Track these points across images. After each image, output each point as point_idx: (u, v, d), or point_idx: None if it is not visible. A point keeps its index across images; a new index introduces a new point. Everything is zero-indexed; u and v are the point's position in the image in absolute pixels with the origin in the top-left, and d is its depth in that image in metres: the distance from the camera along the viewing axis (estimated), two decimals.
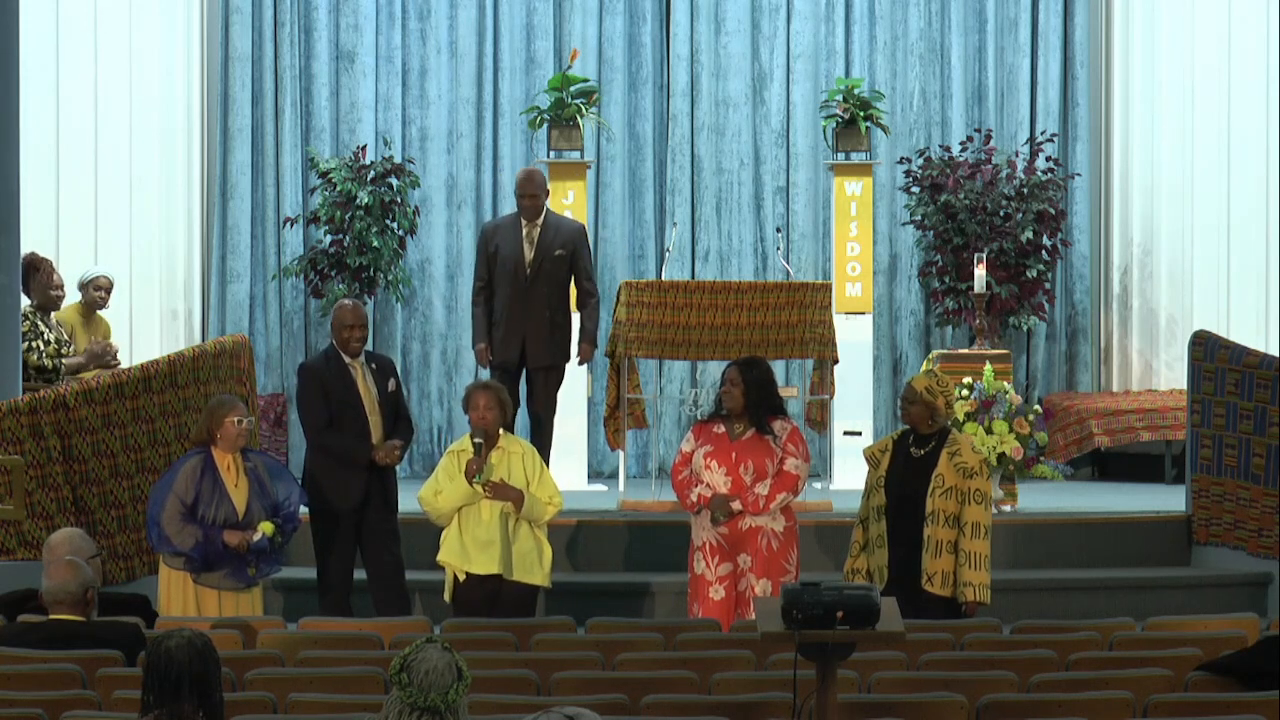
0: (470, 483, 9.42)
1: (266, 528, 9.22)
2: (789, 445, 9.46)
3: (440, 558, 9.53)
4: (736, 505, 9.36)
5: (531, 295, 11.50)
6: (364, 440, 9.95)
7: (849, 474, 13.43)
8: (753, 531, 9.40)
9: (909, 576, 8.73)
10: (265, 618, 8.75)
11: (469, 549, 9.46)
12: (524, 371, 11.64)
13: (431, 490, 9.57)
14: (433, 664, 5.06)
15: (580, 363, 11.95)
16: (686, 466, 9.53)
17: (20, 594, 8.12)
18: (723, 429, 9.52)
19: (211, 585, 9.19)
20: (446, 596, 9.57)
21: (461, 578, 9.49)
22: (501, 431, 9.63)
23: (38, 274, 11.29)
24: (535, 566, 9.53)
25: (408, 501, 10.39)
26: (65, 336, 11.44)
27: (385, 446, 9.97)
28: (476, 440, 9.48)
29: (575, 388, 13.10)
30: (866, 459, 9.10)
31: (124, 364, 12.40)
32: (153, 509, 9.23)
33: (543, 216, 11.59)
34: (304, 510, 9.72)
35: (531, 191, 11.54)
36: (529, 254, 11.51)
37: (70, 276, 12.52)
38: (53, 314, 11.58)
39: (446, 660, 5.08)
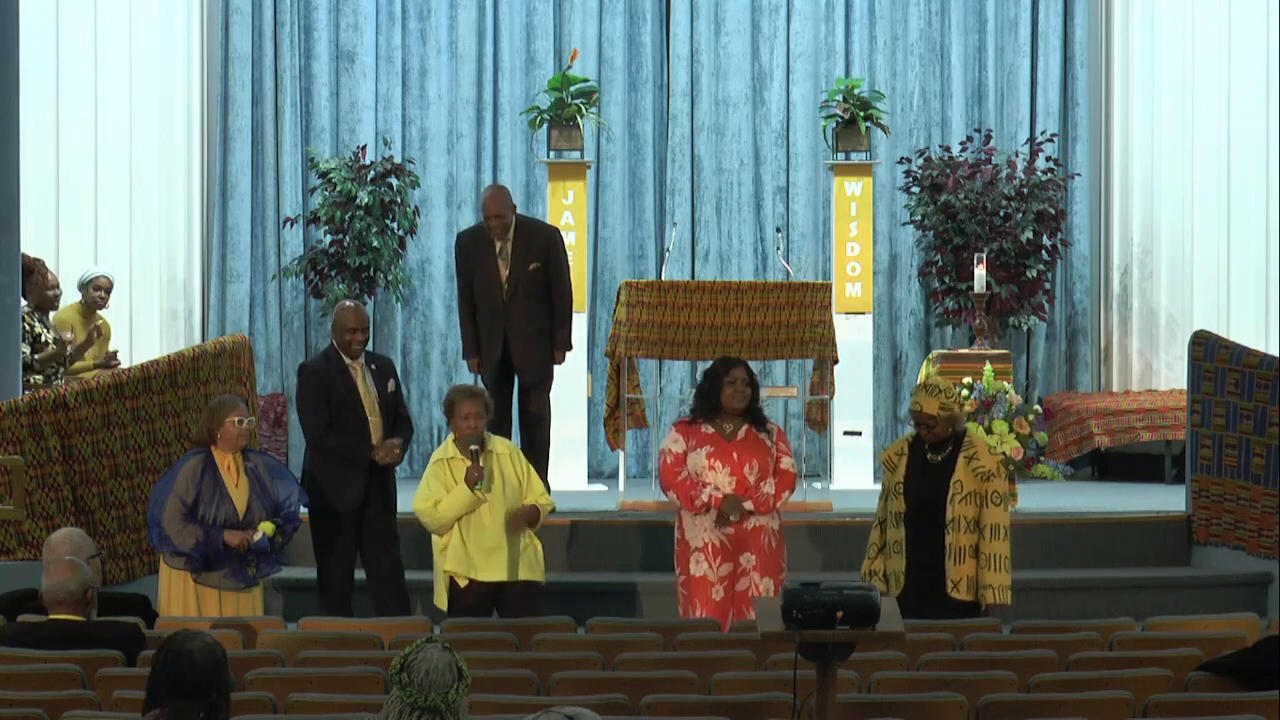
0: (472, 490, 9.39)
1: (267, 528, 9.22)
2: (780, 444, 9.50)
3: (447, 568, 9.43)
4: (749, 505, 9.35)
5: (511, 313, 11.32)
6: (364, 440, 9.95)
7: (849, 474, 13.45)
8: (757, 531, 9.40)
9: (930, 582, 8.73)
10: (265, 618, 8.75)
11: (474, 557, 9.41)
12: (514, 378, 11.53)
13: (428, 501, 9.47)
14: (433, 664, 5.06)
15: (555, 363, 11.68)
16: (682, 467, 9.48)
17: (20, 594, 8.12)
18: (712, 430, 9.47)
19: (212, 585, 9.19)
20: (443, 604, 9.50)
21: (463, 584, 9.45)
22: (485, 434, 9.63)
23: (33, 275, 11.32)
24: (535, 564, 9.54)
25: (407, 502, 10.37)
26: (64, 337, 11.44)
27: (385, 445, 9.97)
28: (473, 448, 9.42)
29: (575, 388, 13.11)
30: (883, 462, 9.09)
31: (124, 364, 12.43)
32: (153, 509, 9.22)
33: (512, 230, 11.36)
34: (304, 510, 9.72)
35: (497, 212, 11.27)
36: (504, 272, 11.32)
37: (70, 276, 12.55)
38: (51, 315, 11.60)
39: (447, 660, 5.09)
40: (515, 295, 11.30)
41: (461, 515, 9.42)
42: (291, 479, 9.63)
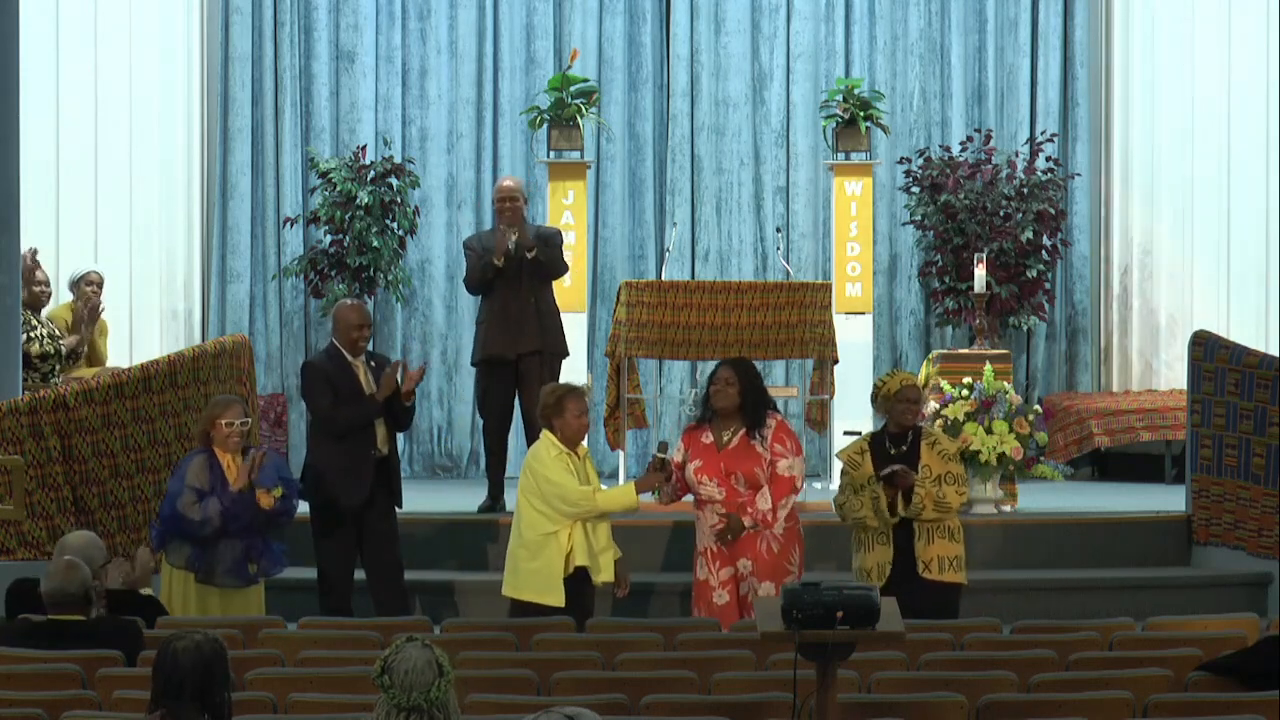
0: (655, 495, 9.40)
1: (276, 492, 9.21)
2: (775, 445, 9.36)
3: (580, 562, 9.22)
4: (749, 522, 9.33)
5: (514, 285, 11.41)
6: (368, 400, 9.92)
7: None
8: (751, 537, 9.34)
9: (908, 568, 8.95)
10: (266, 617, 8.74)
11: (595, 557, 9.34)
12: (515, 370, 11.53)
13: (578, 487, 9.22)
14: (412, 663, 5.06)
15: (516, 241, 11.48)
16: (679, 472, 9.50)
17: (27, 583, 8.12)
18: (710, 438, 9.43)
19: (214, 583, 9.17)
20: (561, 600, 9.17)
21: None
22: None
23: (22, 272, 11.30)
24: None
25: (411, 501, 10.38)
26: (58, 333, 11.44)
27: (385, 376, 9.91)
28: (663, 455, 9.32)
29: None
30: (845, 463, 9.24)
31: (124, 364, 12.42)
32: (165, 508, 9.21)
33: (521, 224, 11.52)
34: (304, 508, 9.72)
35: (511, 196, 11.49)
36: (501, 243, 11.42)
37: (69, 276, 12.53)
38: (44, 312, 11.59)
39: (426, 658, 5.08)
40: (520, 270, 11.37)
41: (613, 513, 9.34)
42: (288, 470, 9.63)
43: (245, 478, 9.19)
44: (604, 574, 9.31)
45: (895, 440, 9.19)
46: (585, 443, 9.57)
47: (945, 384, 12.12)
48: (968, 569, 9.25)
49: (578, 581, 9.25)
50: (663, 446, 9.43)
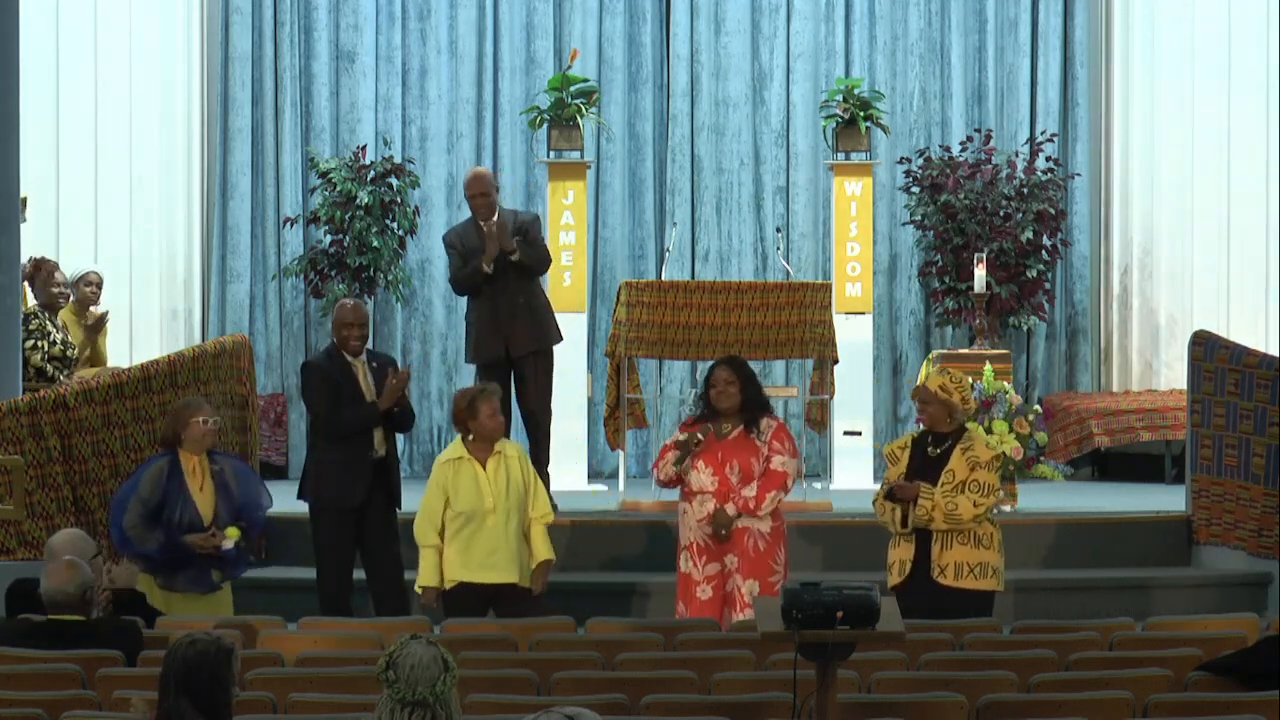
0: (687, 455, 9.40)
1: (233, 533, 9.15)
2: (774, 443, 9.44)
3: (427, 580, 9.44)
4: (731, 510, 9.35)
5: (500, 286, 11.31)
6: (370, 406, 9.92)
7: (849, 474, 13.44)
8: (739, 532, 9.38)
9: (926, 569, 8.90)
10: (266, 617, 8.73)
11: (471, 558, 9.38)
12: (511, 370, 11.51)
13: (424, 520, 9.48)
14: (418, 658, 5.08)
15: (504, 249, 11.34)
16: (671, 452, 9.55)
17: (27, 583, 8.12)
18: (710, 429, 9.51)
19: (177, 589, 9.13)
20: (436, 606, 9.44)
21: (450, 586, 9.41)
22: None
23: (40, 274, 11.36)
24: (528, 570, 9.53)
25: (412, 501, 10.37)
26: (69, 339, 11.46)
27: (391, 386, 9.91)
28: (696, 436, 9.39)
29: (575, 388, 13.11)
30: (885, 457, 9.24)
31: (124, 364, 12.43)
32: (115, 512, 9.19)
33: (496, 214, 11.37)
34: (303, 508, 9.71)
35: (483, 190, 11.35)
36: (491, 248, 11.33)
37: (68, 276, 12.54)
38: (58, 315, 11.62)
39: (432, 654, 5.10)
40: (505, 269, 11.27)
41: (425, 564, 9.46)
42: (258, 480, 9.60)
43: (210, 543, 9.13)
44: (486, 575, 9.37)
45: (936, 440, 9.11)
46: (509, 442, 9.63)
47: None
48: None
49: (454, 596, 9.37)
50: (693, 437, 9.44)
